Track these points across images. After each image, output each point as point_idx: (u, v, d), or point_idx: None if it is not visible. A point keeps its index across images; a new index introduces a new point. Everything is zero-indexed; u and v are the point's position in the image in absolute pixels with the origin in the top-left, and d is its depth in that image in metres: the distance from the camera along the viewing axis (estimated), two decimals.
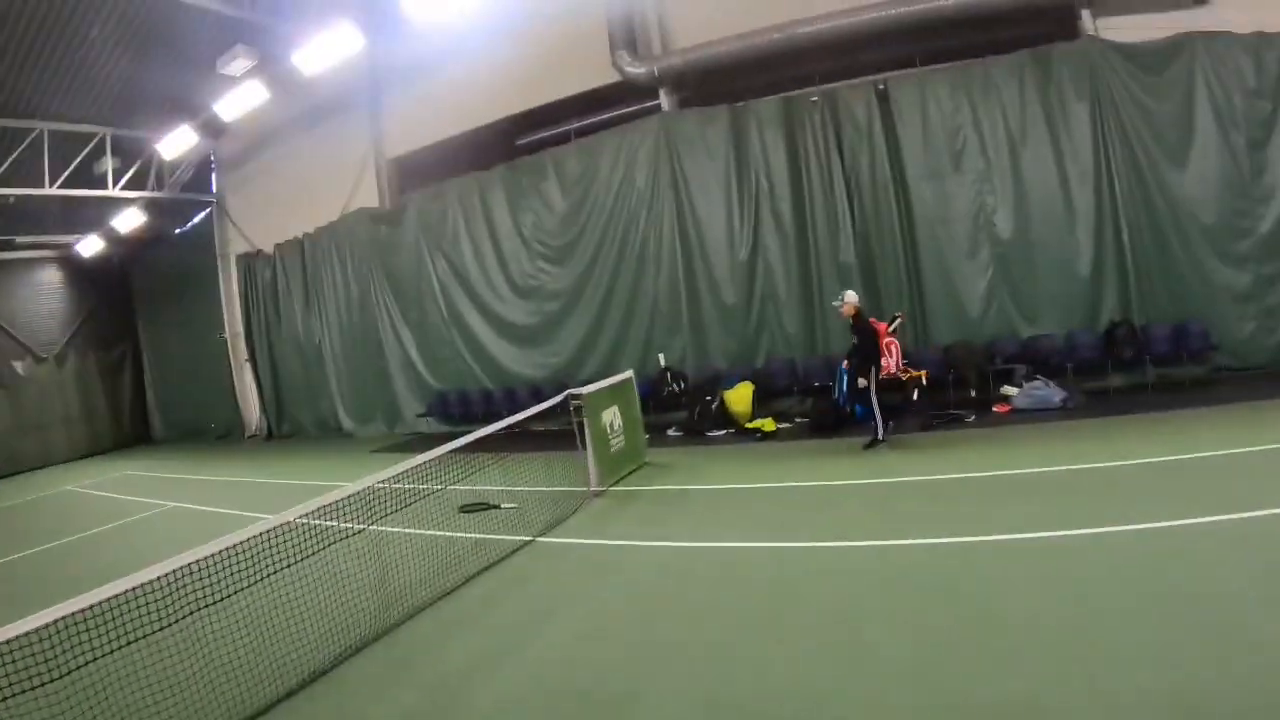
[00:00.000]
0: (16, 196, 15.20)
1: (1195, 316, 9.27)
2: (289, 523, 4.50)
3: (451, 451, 6.13)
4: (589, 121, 13.57)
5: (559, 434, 8.89)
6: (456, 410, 13.57)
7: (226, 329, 18.76)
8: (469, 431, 6.60)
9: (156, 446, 21.04)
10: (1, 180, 14.49)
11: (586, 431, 7.78)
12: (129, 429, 22.13)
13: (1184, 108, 9.30)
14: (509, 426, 7.25)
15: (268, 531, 4.33)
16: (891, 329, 9.40)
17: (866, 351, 8.39)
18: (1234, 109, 9.06)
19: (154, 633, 3.72)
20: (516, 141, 14.47)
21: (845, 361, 9.13)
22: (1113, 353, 9.51)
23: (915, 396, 9.49)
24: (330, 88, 14.10)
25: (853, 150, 10.81)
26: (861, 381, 8.32)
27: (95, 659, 3.46)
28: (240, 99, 13.76)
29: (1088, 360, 9.60)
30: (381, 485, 5.38)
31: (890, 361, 9.06)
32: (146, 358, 22.31)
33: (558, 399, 8.11)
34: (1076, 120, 9.75)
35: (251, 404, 18.55)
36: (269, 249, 17.16)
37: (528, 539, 6.43)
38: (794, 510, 6.59)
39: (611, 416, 8.44)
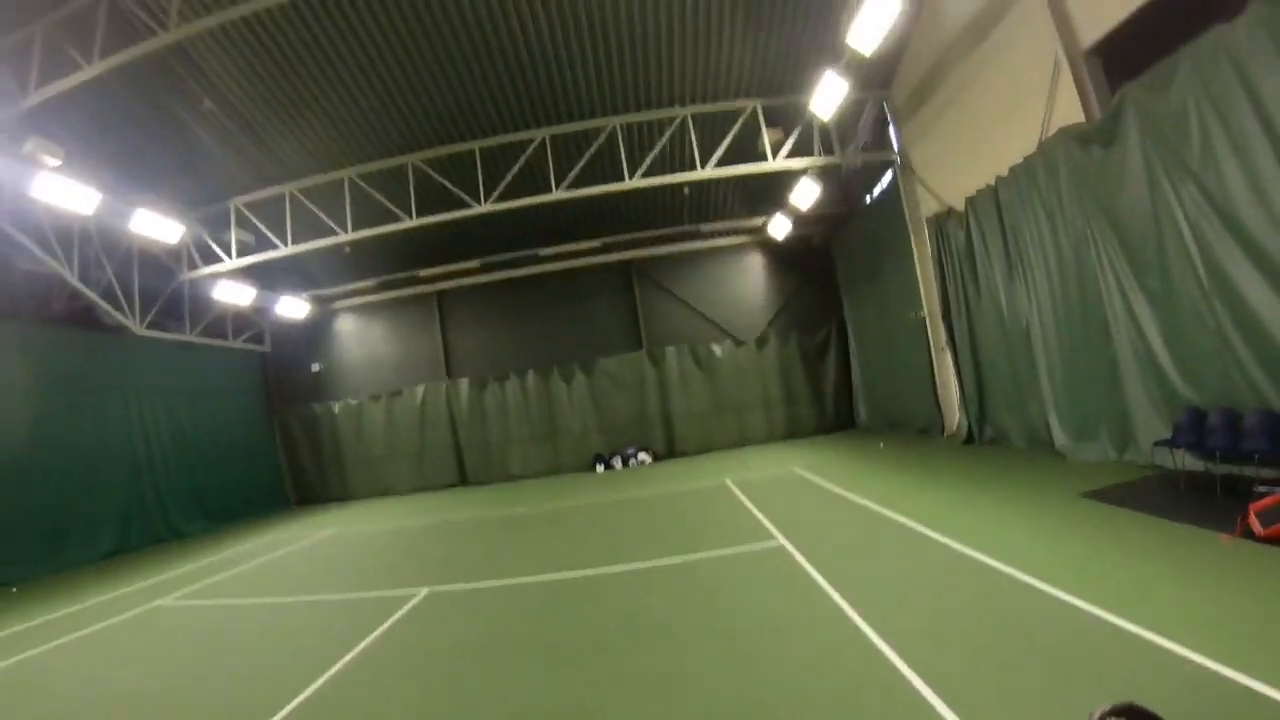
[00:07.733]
0: (690, 185, 16.12)
1: None
2: None
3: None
4: None
5: None
6: (1220, 441, 7.73)
7: (924, 306, 15.85)
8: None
9: (858, 434, 19.28)
10: (656, 170, 15.04)
11: None
12: (832, 414, 21.26)
13: None
14: None
15: None
16: None
17: None
18: None
19: None
20: None
21: None
22: None
23: None
24: None
25: None
26: None
27: None
28: (870, 17, 10.58)
29: None
30: None
31: None
32: (852, 340, 20.88)
33: None
34: None
35: (952, 398, 15.17)
36: (960, 205, 13.37)
37: None
38: None
39: None
